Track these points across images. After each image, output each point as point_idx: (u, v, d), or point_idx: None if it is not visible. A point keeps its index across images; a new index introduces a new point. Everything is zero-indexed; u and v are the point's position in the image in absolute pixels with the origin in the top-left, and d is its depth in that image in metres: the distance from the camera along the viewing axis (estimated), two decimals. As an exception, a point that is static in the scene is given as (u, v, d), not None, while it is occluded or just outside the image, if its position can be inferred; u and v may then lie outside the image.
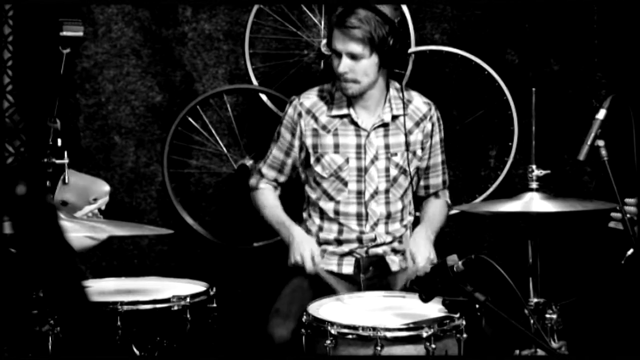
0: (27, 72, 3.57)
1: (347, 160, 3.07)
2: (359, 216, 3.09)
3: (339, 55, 2.97)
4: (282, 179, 3.19)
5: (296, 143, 3.11)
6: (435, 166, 3.20)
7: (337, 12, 2.96)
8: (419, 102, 3.15)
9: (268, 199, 3.18)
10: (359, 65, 2.97)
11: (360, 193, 3.08)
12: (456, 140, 3.69)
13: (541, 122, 2.81)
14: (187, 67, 3.74)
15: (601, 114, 2.61)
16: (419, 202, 3.26)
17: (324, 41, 3.05)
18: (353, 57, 2.95)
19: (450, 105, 3.70)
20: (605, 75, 3.74)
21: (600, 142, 2.59)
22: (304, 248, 2.97)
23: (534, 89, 2.80)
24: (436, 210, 3.20)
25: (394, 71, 3.51)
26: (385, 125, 3.08)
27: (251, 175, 3.26)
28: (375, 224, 3.09)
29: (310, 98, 3.13)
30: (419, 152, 3.14)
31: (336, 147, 3.08)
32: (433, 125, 3.15)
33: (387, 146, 3.09)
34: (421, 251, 2.93)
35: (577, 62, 3.76)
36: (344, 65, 2.97)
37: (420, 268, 2.87)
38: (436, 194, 3.24)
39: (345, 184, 3.08)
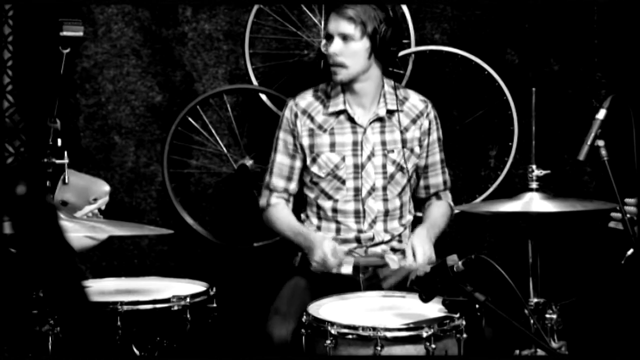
0: (27, 72, 3.57)
1: (343, 159, 3.07)
2: (356, 213, 3.08)
3: (331, 38, 3.00)
4: (292, 186, 3.13)
5: (298, 144, 3.11)
6: (434, 165, 3.19)
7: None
8: (415, 100, 3.15)
9: (281, 213, 3.11)
10: (348, 48, 2.97)
11: (357, 190, 3.07)
12: (456, 140, 3.69)
13: (541, 122, 2.81)
14: (187, 67, 3.74)
15: (601, 114, 2.61)
16: (420, 204, 3.25)
17: (324, 41, 3.05)
18: (344, 38, 2.97)
19: (450, 105, 3.70)
20: (605, 75, 3.74)
21: (600, 142, 2.59)
22: (325, 246, 2.86)
23: (534, 89, 2.80)
24: (438, 212, 3.16)
25: (394, 71, 3.52)
26: (381, 120, 3.08)
27: (259, 197, 3.20)
28: (373, 222, 3.08)
29: (305, 99, 3.13)
30: (416, 150, 3.13)
31: (332, 145, 3.07)
32: (430, 122, 3.15)
33: (383, 143, 3.08)
34: (422, 249, 2.88)
35: (577, 62, 3.75)
36: (334, 46, 2.99)
37: (419, 265, 2.84)
38: (437, 195, 3.22)
39: (343, 182, 3.07)
